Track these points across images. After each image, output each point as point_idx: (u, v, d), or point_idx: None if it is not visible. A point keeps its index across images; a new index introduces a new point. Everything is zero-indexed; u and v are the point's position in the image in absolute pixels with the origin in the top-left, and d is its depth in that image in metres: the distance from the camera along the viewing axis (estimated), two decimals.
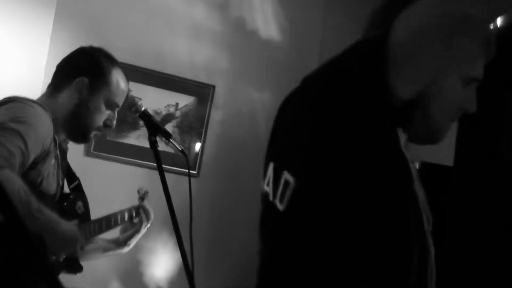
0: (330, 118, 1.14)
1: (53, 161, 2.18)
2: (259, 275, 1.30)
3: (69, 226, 2.13)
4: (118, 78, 2.34)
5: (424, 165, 3.37)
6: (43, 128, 2.10)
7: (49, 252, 2.11)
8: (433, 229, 3.63)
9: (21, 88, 2.54)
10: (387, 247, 1.16)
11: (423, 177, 3.29)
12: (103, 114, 2.31)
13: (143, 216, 2.58)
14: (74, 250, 2.19)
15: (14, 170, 1.94)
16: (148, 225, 2.61)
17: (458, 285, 3.17)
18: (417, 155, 4.33)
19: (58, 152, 2.24)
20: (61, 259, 2.20)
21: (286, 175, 1.20)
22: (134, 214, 2.61)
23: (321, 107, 1.16)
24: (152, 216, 2.61)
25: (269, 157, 1.32)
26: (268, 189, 1.27)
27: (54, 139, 2.17)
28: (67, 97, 2.27)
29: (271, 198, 1.25)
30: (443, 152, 3.62)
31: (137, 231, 2.57)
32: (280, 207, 1.21)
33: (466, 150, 3.37)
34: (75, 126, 2.28)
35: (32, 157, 2.04)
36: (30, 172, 2.07)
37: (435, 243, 3.51)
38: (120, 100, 2.35)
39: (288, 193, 1.19)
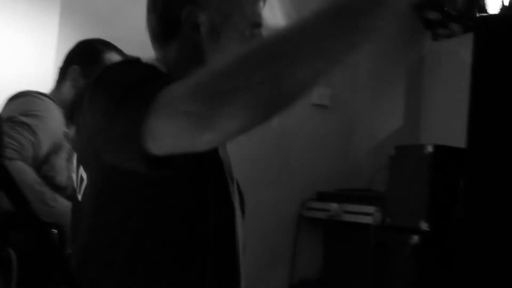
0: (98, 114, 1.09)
1: (65, 155, 2.18)
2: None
3: None
4: (113, 60, 2.24)
5: (437, 148, 3.36)
6: (54, 121, 2.10)
7: (69, 242, 2.13)
8: (446, 211, 3.61)
9: (32, 81, 2.54)
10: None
11: (436, 159, 3.28)
12: None
13: None
14: None
15: (26, 162, 1.95)
16: None
17: (475, 267, 3.16)
18: (430, 138, 4.31)
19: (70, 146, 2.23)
20: None
21: (81, 170, 1.22)
22: None
23: (92, 102, 1.12)
24: None
25: (75, 149, 1.31)
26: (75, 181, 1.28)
27: (65, 133, 2.17)
28: (66, 88, 2.26)
29: (76, 189, 1.27)
30: (456, 135, 3.59)
31: None
32: (79, 198, 1.24)
33: (479, 132, 3.35)
34: None
35: (44, 150, 2.05)
36: (43, 166, 2.08)
37: (447, 226, 3.47)
38: None
39: (83, 187, 1.22)
